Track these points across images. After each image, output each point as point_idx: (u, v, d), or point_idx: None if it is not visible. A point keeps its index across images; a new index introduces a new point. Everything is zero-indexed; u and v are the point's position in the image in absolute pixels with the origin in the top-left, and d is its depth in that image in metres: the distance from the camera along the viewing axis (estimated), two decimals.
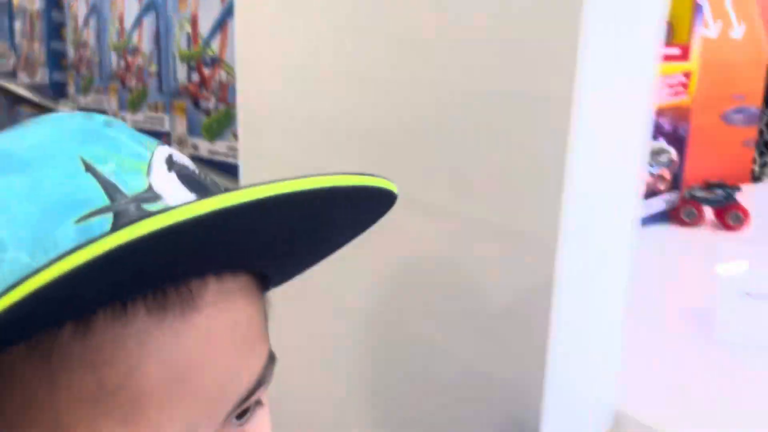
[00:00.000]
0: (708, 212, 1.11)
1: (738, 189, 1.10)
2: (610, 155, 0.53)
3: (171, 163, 0.34)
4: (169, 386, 0.30)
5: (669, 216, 1.11)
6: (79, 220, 0.29)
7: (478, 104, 0.57)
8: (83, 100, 1.68)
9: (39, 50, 1.96)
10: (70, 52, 1.72)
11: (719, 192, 1.09)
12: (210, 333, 0.32)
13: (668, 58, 1.04)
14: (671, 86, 1.05)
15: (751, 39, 1.40)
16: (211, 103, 1.07)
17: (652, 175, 1.07)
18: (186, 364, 0.31)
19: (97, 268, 0.24)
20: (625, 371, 0.65)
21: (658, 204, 1.10)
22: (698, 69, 1.30)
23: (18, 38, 2.23)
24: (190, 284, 0.31)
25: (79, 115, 0.36)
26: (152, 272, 0.29)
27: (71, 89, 1.77)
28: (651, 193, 1.08)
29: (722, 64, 1.35)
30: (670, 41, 1.07)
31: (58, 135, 0.33)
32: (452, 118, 0.59)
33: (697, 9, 1.05)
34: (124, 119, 1.47)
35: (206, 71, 1.07)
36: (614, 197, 0.54)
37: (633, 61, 0.52)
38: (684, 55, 1.06)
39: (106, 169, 0.31)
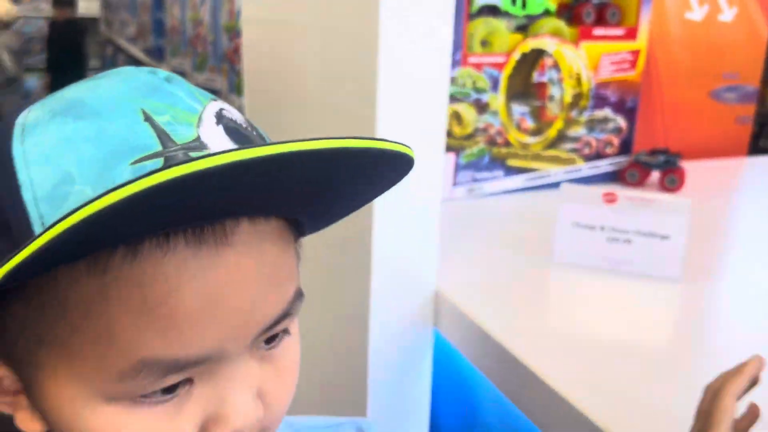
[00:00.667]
0: (656, 175, 1.27)
1: (679, 156, 1.24)
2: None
3: (220, 117, 0.37)
4: (201, 308, 0.34)
5: (618, 177, 1.28)
6: (134, 162, 0.33)
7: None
8: (174, 62, 2.01)
9: (148, 19, 2.32)
10: (168, 21, 2.06)
11: (661, 158, 1.24)
12: (239, 266, 0.35)
13: (613, 38, 1.20)
14: (615, 63, 1.21)
15: (744, 21, 1.50)
16: (240, 66, 1.34)
17: (597, 140, 1.24)
18: (217, 291, 0.35)
19: (141, 200, 0.28)
20: (461, 272, 0.86)
21: (606, 166, 1.27)
22: (681, 50, 1.43)
23: (138, 9, 2.62)
24: (225, 224, 0.34)
25: (145, 70, 0.39)
26: (191, 211, 0.32)
27: (167, 53, 2.12)
28: (597, 155, 1.25)
29: (709, 46, 1.47)
30: (619, 23, 1.22)
31: (125, 88, 0.37)
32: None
33: None
34: (194, 78, 1.78)
35: (238, 40, 1.34)
36: (422, 123, 0.75)
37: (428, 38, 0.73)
38: (630, 36, 1.21)
39: (161, 120, 0.35)
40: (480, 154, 1.14)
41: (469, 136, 1.13)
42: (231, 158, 0.29)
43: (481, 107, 1.12)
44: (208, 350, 0.36)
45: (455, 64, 1.07)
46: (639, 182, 1.25)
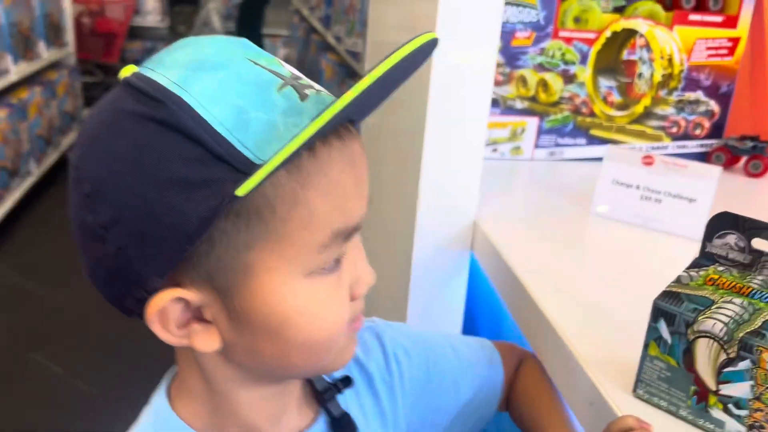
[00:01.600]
0: (743, 161, 1.31)
1: (766, 144, 1.28)
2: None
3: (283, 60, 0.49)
4: (355, 184, 0.48)
5: (705, 158, 1.33)
6: (278, 90, 0.45)
7: None
8: (335, 29, 2.25)
9: None
10: None
11: (749, 143, 1.28)
12: (362, 153, 0.50)
13: (710, 24, 1.25)
14: (711, 48, 1.26)
15: None
16: None
17: (687, 120, 1.30)
18: (358, 171, 0.49)
19: (337, 116, 0.42)
20: (504, 209, 1.00)
21: (694, 146, 1.32)
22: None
23: None
24: (347, 125, 0.49)
25: (221, 36, 0.50)
26: (344, 119, 0.46)
27: (332, 21, 2.36)
28: (685, 135, 1.31)
29: None
30: (721, 11, 1.27)
31: (225, 46, 0.47)
32: None
33: None
34: (345, 43, 2.00)
35: None
36: (470, 78, 0.90)
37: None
38: (729, 24, 1.25)
39: (263, 63, 0.46)
40: (564, 121, 1.26)
41: (555, 104, 1.24)
42: (379, 72, 0.42)
43: (568, 78, 1.23)
44: (359, 219, 0.50)
45: (545, 37, 1.20)
46: (725, 165, 1.30)
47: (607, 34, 1.22)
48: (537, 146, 1.26)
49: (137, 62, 0.49)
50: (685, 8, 1.26)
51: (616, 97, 1.26)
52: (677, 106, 1.29)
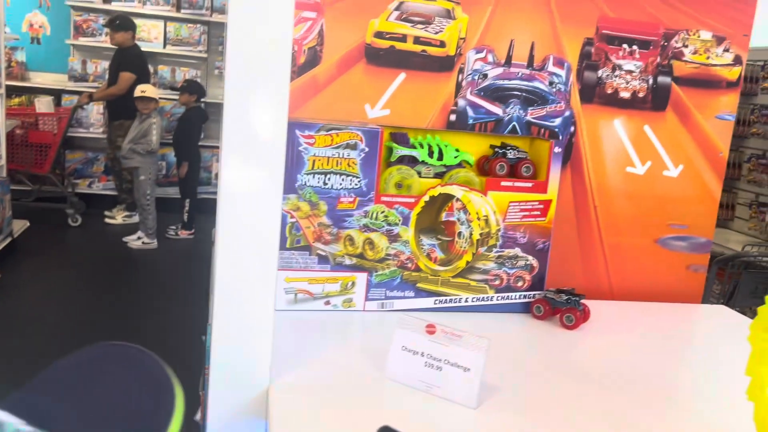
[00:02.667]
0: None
1: (581, 297, 1.39)
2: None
3: None
4: None
5: (529, 308, 1.43)
6: None
7: None
8: None
9: None
10: None
11: (564, 297, 1.39)
12: None
13: (522, 189, 1.38)
14: (525, 210, 1.38)
15: (692, 177, 1.63)
16: None
17: (508, 274, 1.41)
18: None
19: None
20: (301, 373, 1.07)
21: (517, 297, 1.43)
22: (622, 200, 1.59)
23: None
24: None
25: None
26: None
27: None
28: (508, 288, 1.42)
29: (654, 198, 1.61)
30: (533, 177, 1.41)
31: None
32: None
33: (553, 157, 1.38)
34: None
35: None
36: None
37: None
38: (539, 189, 1.39)
39: None
40: (392, 275, 1.35)
41: (382, 260, 1.34)
42: None
43: (393, 237, 1.34)
44: None
45: (368, 201, 1.31)
46: (544, 316, 1.40)
47: (426, 198, 1.34)
48: (368, 299, 1.35)
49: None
50: (499, 175, 1.39)
51: (438, 254, 1.37)
52: (497, 262, 1.40)
